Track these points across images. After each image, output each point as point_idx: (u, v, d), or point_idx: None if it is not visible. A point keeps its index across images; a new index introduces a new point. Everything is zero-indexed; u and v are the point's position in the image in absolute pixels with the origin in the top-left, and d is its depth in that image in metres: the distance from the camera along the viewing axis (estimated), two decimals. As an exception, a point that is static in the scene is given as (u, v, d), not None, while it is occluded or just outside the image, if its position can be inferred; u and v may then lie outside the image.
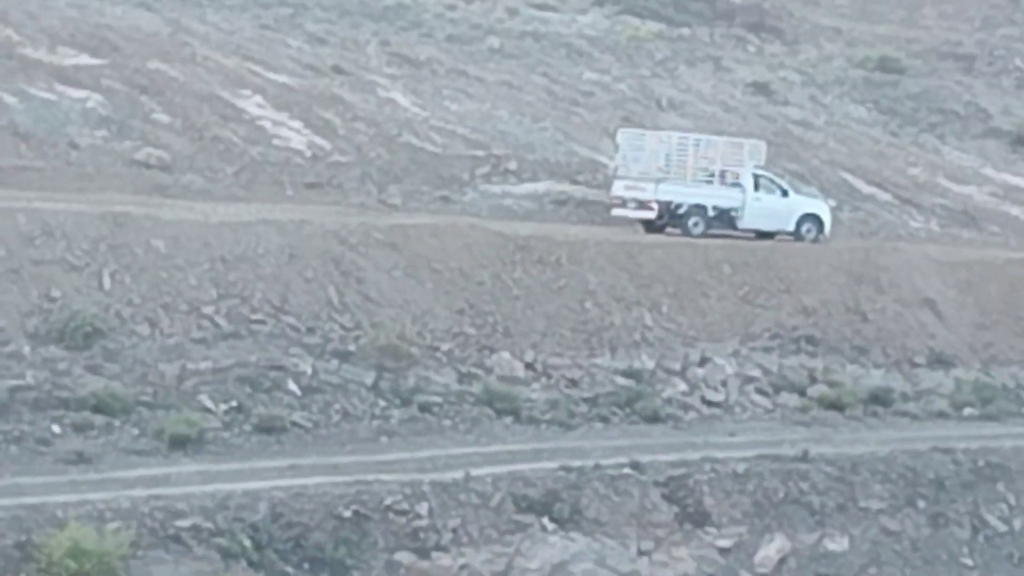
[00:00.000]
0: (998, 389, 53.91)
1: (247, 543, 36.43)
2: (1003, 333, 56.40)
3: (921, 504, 46.05)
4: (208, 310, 45.39)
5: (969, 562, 45.28)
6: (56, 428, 40.22)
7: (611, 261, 52.99)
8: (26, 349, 42.25)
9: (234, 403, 42.99)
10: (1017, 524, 46.79)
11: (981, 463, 47.70)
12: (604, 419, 47.46)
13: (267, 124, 59.03)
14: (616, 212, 57.68)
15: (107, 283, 44.78)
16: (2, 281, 43.58)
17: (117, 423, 40.87)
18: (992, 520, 46.63)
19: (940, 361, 54.44)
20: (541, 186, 59.34)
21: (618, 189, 58.12)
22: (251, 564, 36.21)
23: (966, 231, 64.10)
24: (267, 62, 63.11)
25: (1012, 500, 47.36)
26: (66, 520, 34.53)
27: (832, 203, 61.23)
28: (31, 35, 60.38)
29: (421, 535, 38.79)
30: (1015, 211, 67.26)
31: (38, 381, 41.40)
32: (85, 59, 59.58)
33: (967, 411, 52.39)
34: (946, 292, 56.32)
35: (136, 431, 40.79)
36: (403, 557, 38.13)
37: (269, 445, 41.48)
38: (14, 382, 41.10)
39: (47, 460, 38.86)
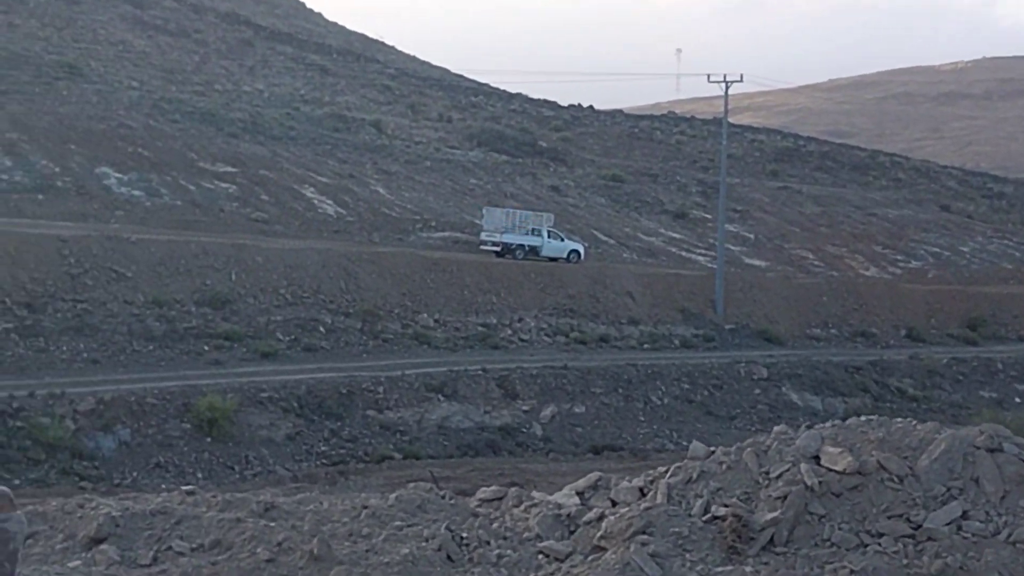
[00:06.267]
0: (660, 336, 54.45)
1: (295, 404, 36.79)
2: (664, 308, 56.73)
3: (620, 390, 46.51)
4: (282, 291, 45.49)
5: (643, 418, 45.86)
6: (206, 347, 40.42)
7: (478, 270, 53.06)
8: (192, 308, 42.36)
9: (292, 337, 43.12)
10: (666, 400, 47.29)
11: (649, 371, 48.36)
12: (471, 347, 47.56)
13: (315, 201, 59.11)
14: (482, 247, 57.69)
15: (233, 277, 44.90)
16: (183, 276, 43.67)
17: (235, 345, 41.03)
18: (654, 399, 47.19)
19: (633, 322, 54.68)
20: (446, 234, 59.37)
21: (483, 236, 58.29)
22: (297, 415, 36.52)
23: (649, 259, 64.83)
24: (318, 171, 62.91)
25: (664, 388, 47.84)
26: (206, 392, 34.79)
27: (586, 244, 61.74)
28: (203, 156, 60.16)
29: (379, 401, 39.08)
30: (673, 249, 68.10)
31: (198, 324, 41.54)
32: (227, 168, 59.36)
33: (645, 346, 52.86)
34: (637, 288, 56.88)
35: (244, 350, 40.96)
36: (371, 413, 38.48)
37: (309, 358, 41.68)
38: (185, 324, 41.25)
39: (200, 363, 39.07)
